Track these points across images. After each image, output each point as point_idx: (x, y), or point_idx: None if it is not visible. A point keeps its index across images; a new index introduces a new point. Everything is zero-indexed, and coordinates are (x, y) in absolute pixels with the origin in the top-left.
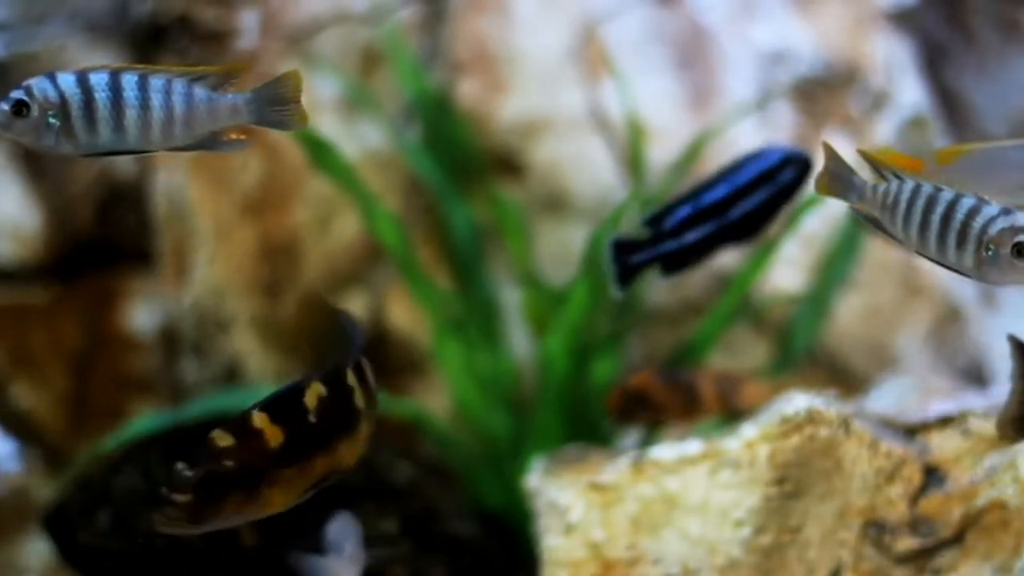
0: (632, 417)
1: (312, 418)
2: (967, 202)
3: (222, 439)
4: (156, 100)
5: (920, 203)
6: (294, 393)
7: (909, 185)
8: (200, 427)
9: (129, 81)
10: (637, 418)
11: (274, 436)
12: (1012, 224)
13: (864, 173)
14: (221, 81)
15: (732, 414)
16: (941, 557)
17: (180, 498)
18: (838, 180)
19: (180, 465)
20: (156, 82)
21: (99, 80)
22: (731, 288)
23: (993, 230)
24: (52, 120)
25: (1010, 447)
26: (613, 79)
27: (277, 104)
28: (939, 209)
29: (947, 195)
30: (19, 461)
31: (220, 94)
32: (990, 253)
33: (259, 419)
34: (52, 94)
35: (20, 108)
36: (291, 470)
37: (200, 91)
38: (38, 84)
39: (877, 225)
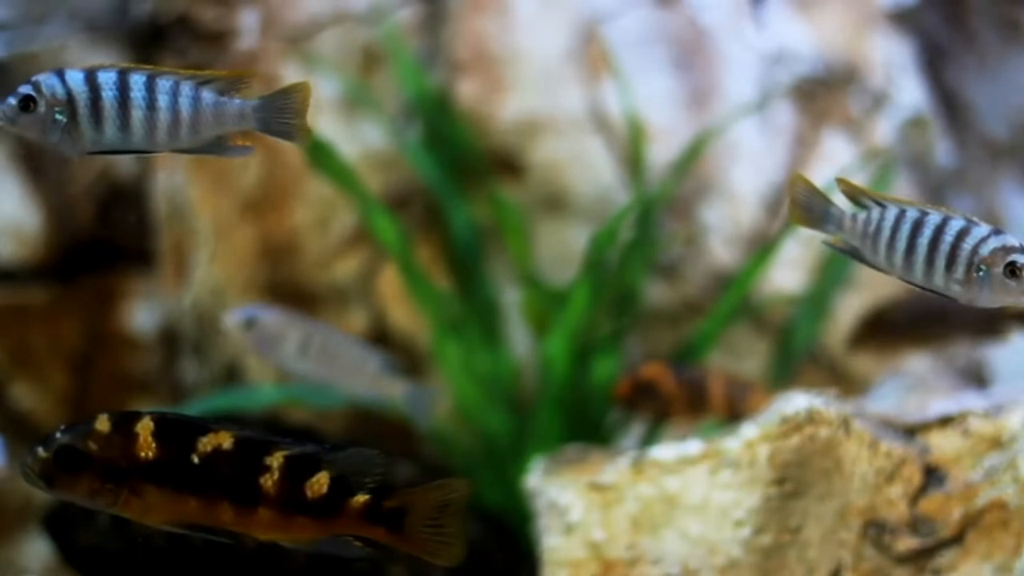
0: (638, 407)
1: (195, 458)
2: (956, 224)
3: (102, 423)
4: (163, 101)
5: (906, 228)
6: (192, 426)
7: (893, 211)
8: None
9: (137, 81)
10: (643, 408)
11: (146, 448)
12: (1004, 244)
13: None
14: (228, 86)
15: (737, 419)
16: (941, 557)
17: (41, 453)
18: (812, 211)
19: (62, 426)
20: (164, 83)
21: (107, 79)
22: (731, 288)
23: (985, 250)
24: (59, 117)
25: (1010, 448)
26: (613, 79)
27: (284, 114)
28: (927, 232)
29: (935, 218)
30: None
31: (227, 99)
32: (981, 274)
33: (142, 425)
34: (60, 91)
35: (27, 103)
36: (155, 491)
37: (208, 94)
38: (46, 80)
39: (854, 255)
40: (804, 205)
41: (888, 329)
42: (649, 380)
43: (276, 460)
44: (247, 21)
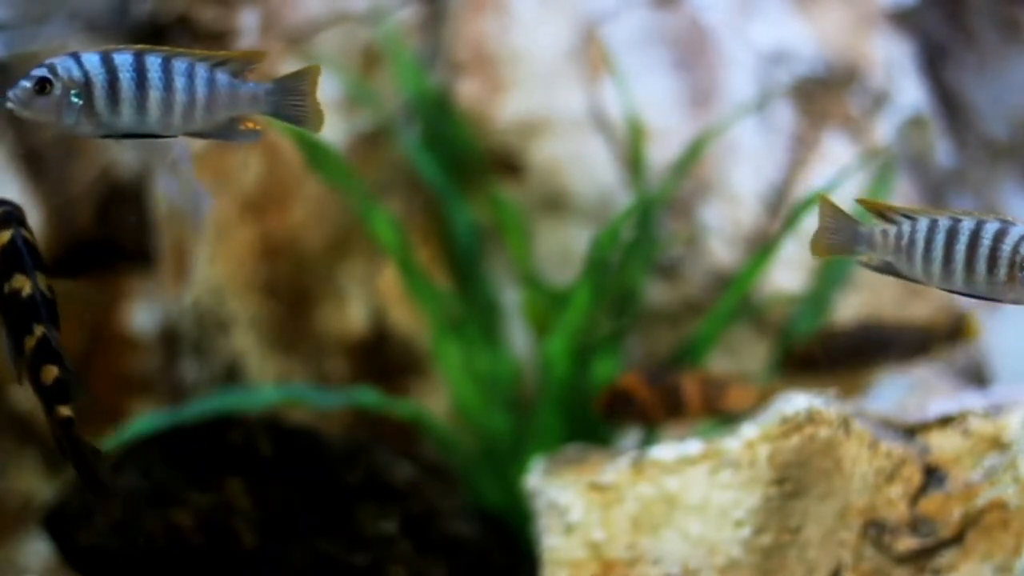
0: (619, 417)
1: (5, 288)
2: (991, 227)
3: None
4: (179, 83)
5: (940, 237)
6: (19, 265)
7: (924, 222)
8: (200, 427)
9: (153, 63)
10: (624, 418)
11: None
12: None
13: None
14: (241, 67)
15: (718, 417)
16: (941, 557)
17: None
18: (840, 236)
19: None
20: (179, 65)
21: (123, 60)
22: (731, 288)
23: None
24: (75, 99)
25: (1010, 448)
26: (613, 79)
27: (296, 96)
28: (963, 238)
29: (968, 223)
30: None
31: (241, 81)
32: None
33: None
34: (76, 73)
35: (43, 86)
36: None
37: (222, 76)
38: (62, 63)
39: (888, 271)
40: (832, 231)
41: (823, 359)
42: (624, 390)
43: (39, 331)
44: (247, 21)
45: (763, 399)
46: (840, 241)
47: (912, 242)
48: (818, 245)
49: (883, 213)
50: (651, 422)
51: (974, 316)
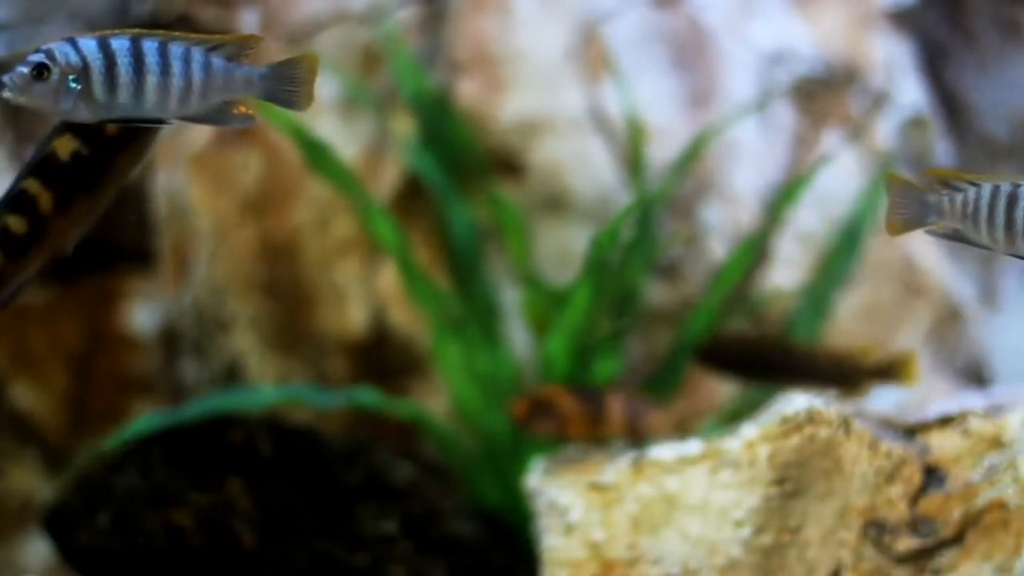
0: (535, 426)
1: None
2: None
3: (64, 141)
4: (176, 67)
5: (1002, 203)
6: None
7: (987, 188)
8: (200, 427)
9: (150, 47)
10: (540, 428)
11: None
12: None
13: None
14: (236, 52)
15: (636, 439)
16: (941, 557)
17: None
18: (911, 209)
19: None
20: (176, 49)
21: (121, 45)
22: (718, 280)
23: None
24: (72, 84)
25: (1010, 448)
26: (613, 79)
27: (290, 83)
28: (1022, 203)
29: None
30: None
31: (236, 65)
32: None
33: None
34: (74, 58)
35: (40, 71)
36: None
37: (217, 60)
38: (59, 48)
39: (957, 238)
40: (902, 206)
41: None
42: (546, 399)
43: None
44: (247, 21)
45: (678, 427)
46: (912, 214)
47: (977, 208)
48: (892, 223)
49: (949, 181)
50: (569, 435)
51: (915, 358)
